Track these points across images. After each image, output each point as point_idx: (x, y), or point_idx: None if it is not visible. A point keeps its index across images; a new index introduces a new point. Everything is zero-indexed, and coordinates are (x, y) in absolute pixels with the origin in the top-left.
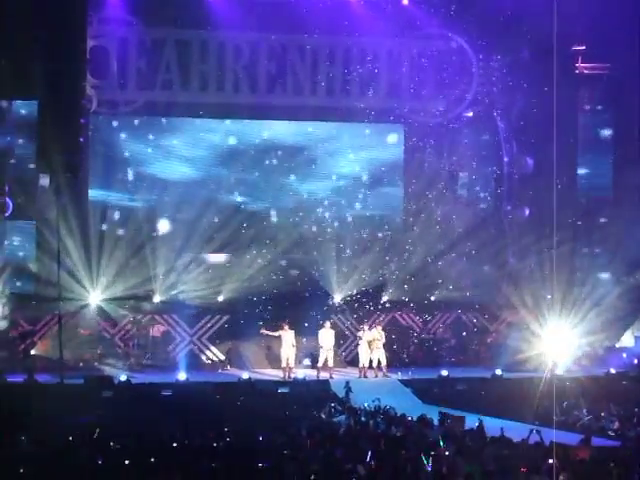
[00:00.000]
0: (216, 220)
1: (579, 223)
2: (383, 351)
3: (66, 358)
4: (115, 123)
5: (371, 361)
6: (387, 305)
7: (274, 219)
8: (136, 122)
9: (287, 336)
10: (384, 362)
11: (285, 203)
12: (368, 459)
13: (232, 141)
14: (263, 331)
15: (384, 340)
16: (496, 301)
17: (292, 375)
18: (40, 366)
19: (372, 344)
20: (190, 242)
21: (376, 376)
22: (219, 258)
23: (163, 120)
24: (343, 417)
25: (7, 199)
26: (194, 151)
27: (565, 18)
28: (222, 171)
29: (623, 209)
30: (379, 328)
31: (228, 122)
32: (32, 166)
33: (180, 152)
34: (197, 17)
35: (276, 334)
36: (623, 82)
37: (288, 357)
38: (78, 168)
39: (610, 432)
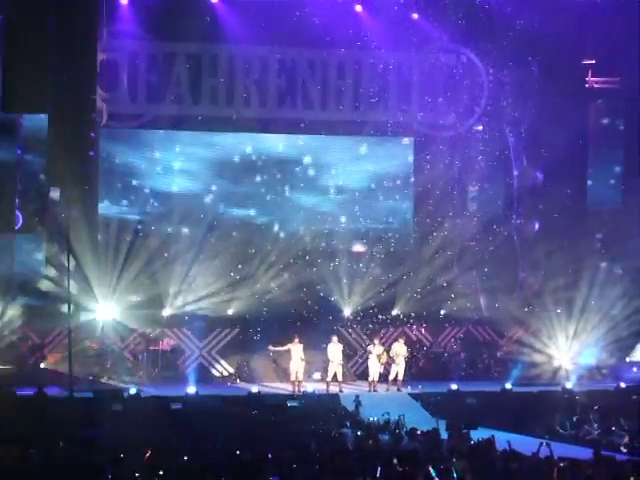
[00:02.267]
0: (222, 234)
1: (590, 237)
2: (404, 365)
3: (76, 371)
4: (120, 136)
5: (386, 375)
6: (397, 319)
7: (282, 233)
8: (140, 135)
9: (296, 349)
10: (401, 377)
11: (294, 217)
12: (378, 473)
13: (236, 154)
14: (271, 347)
15: (406, 354)
16: (506, 315)
17: (301, 389)
18: (50, 379)
19: (381, 357)
20: (197, 255)
21: (387, 390)
22: None
23: (163, 133)
24: (350, 431)
25: (17, 212)
26: (196, 164)
27: (575, 32)
28: (225, 185)
29: (633, 222)
30: (401, 342)
31: (230, 135)
32: (42, 179)
33: (182, 166)
34: (208, 31)
35: (285, 348)
36: (633, 95)
37: (297, 371)
38: (88, 181)
39: (621, 447)
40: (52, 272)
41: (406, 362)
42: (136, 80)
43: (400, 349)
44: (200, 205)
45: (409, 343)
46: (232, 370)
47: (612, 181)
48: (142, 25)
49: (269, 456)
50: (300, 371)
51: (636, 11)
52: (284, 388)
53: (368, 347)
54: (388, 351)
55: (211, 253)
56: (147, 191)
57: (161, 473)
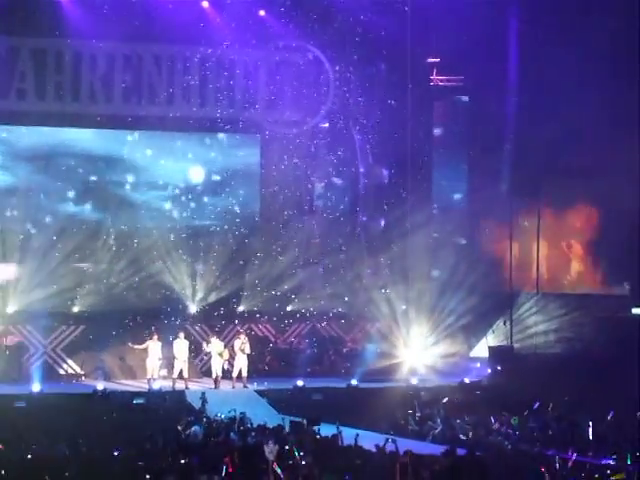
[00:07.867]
0: (60, 231)
1: (436, 233)
2: (246, 362)
3: None
4: None
5: (228, 370)
6: (243, 315)
7: (123, 229)
8: None
9: (155, 347)
10: (245, 373)
11: (133, 213)
12: (223, 469)
13: (77, 150)
14: (130, 344)
15: (248, 348)
16: (352, 311)
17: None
18: None
19: (223, 354)
20: (38, 252)
21: (233, 387)
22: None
23: None
24: (199, 428)
25: None
26: (18, 161)
27: (420, 31)
28: (63, 181)
29: (477, 218)
30: (242, 337)
31: (72, 131)
32: None
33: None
34: (53, 26)
35: (144, 345)
36: (477, 93)
37: (154, 368)
38: None
39: (465, 441)
40: None
41: (248, 358)
42: None
43: (240, 345)
44: (36, 202)
45: (255, 339)
46: (78, 368)
47: (457, 178)
48: None
49: (115, 453)
50: (156, 369)
51: (480, 10)
52: (130, 385)
53: (202, 344)
54: (232, 347)
55: (52, 250)
56: None
57: (2, 473)
